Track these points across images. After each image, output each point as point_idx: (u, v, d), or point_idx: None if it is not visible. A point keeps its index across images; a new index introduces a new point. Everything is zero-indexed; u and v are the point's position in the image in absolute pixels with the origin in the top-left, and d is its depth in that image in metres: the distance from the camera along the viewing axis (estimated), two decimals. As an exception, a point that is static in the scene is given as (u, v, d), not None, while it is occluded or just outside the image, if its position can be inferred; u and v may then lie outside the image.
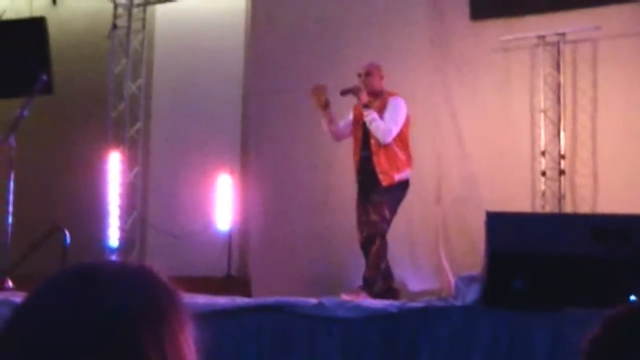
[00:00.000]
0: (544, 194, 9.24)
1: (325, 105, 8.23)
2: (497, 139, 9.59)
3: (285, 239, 10.11)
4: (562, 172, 9.22)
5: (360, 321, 5.96)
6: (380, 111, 8.00)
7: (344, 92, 8.14)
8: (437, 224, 9.82)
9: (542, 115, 9.35)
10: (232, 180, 10.74)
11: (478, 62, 9.75)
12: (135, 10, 12.29)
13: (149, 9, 12.33)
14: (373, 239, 7.92)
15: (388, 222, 8.00)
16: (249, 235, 10.85)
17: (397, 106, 8.05)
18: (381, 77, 8.27)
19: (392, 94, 8.17)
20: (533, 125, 9.47)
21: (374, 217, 7.92)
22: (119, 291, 1.38)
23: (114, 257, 11.39)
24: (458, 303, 5.92)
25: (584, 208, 9.13)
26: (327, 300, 6.30)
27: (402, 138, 8.07)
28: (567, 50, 9.35)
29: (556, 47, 9.34)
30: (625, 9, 9.14)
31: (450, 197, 9.79)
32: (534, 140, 9.46)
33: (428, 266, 9.81)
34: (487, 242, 5.72)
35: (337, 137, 8.45)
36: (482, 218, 6.06)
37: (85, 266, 1.45)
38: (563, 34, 9.25)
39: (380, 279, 7.94)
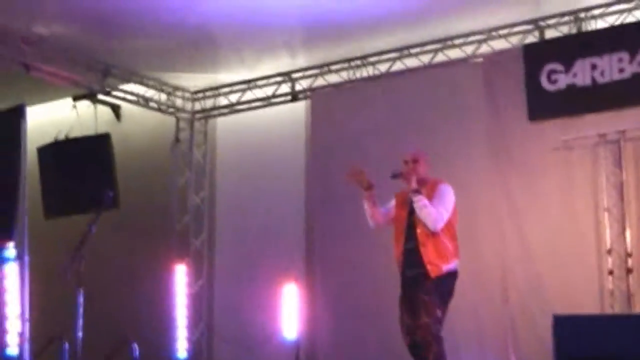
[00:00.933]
0: (612, 293, 9.13)
1: (368, 187, 7.94)
2: (561, 238, 9.53)
3: (354, 345, 10.07)
4: (629, 271, 9.11)
5: None
6: (429, 198, 7.68)
7: (395, 175, 7.82)
8: (505, 324, 9.73)
9: (606, 213, 9.30)
10: (297, 289, 10.75)
11: (538, 162, 9.74)
12: (197, 124, 12.53)
13: (211, 121, 12.58)
14: (428, 345, 7.45)
15: (441, 322, 7.55)
16: (317, 343, 10.83)
17: (447, 192, 7.77)
18: (428, 164, 7.99)
19: (441, 181, 7.90)
20: (597, 223, 9.40)
21: (425, 319, 7.47)
22: None
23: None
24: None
25: (656, 307, 9.00)
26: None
27: (449, 227, 7.74)
28: (628, 147, 9.32)
29: (617, 144, 9.32)
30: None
31: (516, 298, 9.70)
32: (599, 239, 9.38)
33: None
34: (554, 345, 5.66)
35: (377, 221, 8.04)
36: (550, 317, 6.02)
37: None
38: (623, 132, 9.24)
39: None
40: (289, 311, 10.71)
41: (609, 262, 9.21)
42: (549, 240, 9.61)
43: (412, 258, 7.68)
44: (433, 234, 7.62)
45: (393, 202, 8.11)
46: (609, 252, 9.23)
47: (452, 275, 7.73)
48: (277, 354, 10.65)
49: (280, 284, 10.77)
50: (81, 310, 8.50)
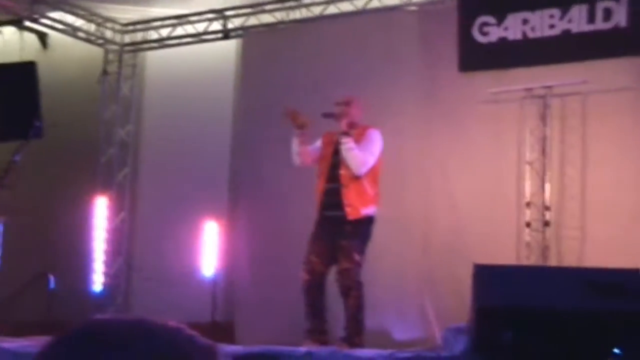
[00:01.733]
0: (528, 245, 9.30)
1: (302, 126, 7.98)
2: (484, 190, 9.66)
3: (271, 285, 10.13)
4: (546, 224, 9.29)
5: (349, 371, 5.98)
6: (358, 142, 7.74)
7: (327, 115, 7.87)
8: (424, 273, 9.85)
9: (527, 166, 9.44)
10: (218, 226, 10.78)
11: (467, 114, 9.84)
12: (126, 57, 12.38)
13: (140, 55, 12.43)
14: (348, 290, 7.60)
15: (360, 266, 7.66)
16: (235, 281, 10.89)
17: (375, 138, 7.85)
18: (361, 109, 8.04)
19: (370, 127, 7.96)
20: (519, 176, 9.55)
21: (345, 264, 7.58)
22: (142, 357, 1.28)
23: (99, 304, 11.40)
24: (446, 354, 5.95)
25: (569, 260, 9.16)
26: (318, 350, 6.32)
27: (373, 173, 7.83)
28: (555, 103, 9.45)
29: (543, 99, 9.44)
30: (611, 63, 9.26)
31: (437, 247, 9.84)
32: (519, 192, 9.53)
33: (413, 316, 9.82)
34: (474, 295, 5.76)
35: (304, 160, 8.09)
36: (469, 268, 6.11)
37: (100, 326, 1.32)
38: (550, 87, 9.36)
39: (362, 331, 7.67)
40: (209, 249, 10.75)
41: (527, 214, 9.38)
42: (472, 191, 9.74)
43: (332, 199, 7.75)
44: (356, 178, 7.68)
45: (319, 143, 8.13)
46: (528, 204, 9.39)
47: (370, 220, 7.81)
48: (195, 290, 10.68)
49: (202, 222, 10.79)
50: (0, 239, 8.44)
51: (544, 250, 9.27)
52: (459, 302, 8.72)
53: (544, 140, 9.41)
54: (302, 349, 6.36)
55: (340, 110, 7.89)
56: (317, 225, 7.90)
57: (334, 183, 7.77)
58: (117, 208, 11.97)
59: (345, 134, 7.75)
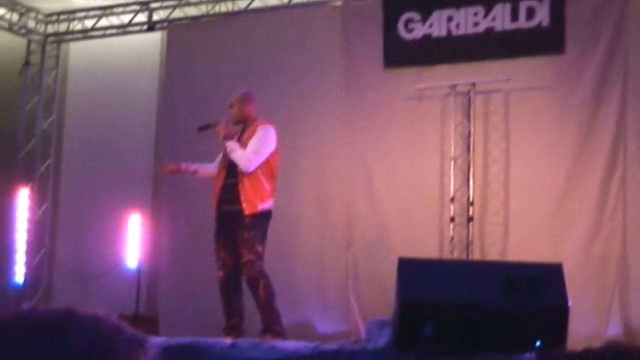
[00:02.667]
0: (452, 239, 9.40)
1: (177, 170, 8.44)
2: (407, 186, 9.74)
3: (194, 277, 10.10)
4: (470, 219, 9.40)
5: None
6: (249, 139, 7.88)
7: (201, 128, 8.21)
8: (348, 268, 9.91)
9: (452, 162, 9.54)
10: (142, 219, 10.74)
11: (390, 109, 9.90)
12: (49, 47, 12.24)
13: (63, 46, 12.30)
14: (255, 280, 7.71)
15: (263, 258, 7.78)
16: (158, 274, 10.85)
17: (264, 136, 7.92)
18: (253, 104, 8.15)
19: (262, 123, 8.05)
20: (443, 173, 9.65)
21: (248, 256, 7.69)
22: (85, 348, 1.29)
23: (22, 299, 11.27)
24: (370, 347, 6.01)
25: (493, 255, 9.29)
26: (241, 341, 6.33)
27: (269, 168, 7.92)
28: (479, 100, 9.56)
29: (467, 96, 9.55)
30: (534, 62, 9.41)
31: (360, 242, 9.90)
32: (443, 188, 9.63)
33: (337, 309, 9.88)
34: (398, 288, 5.82)
35: (213, 177, 8.31)
36: (392, 263, 6.17)
37: (29, 316, 1.34)
38: (474, 84, 9.47)
39: (279, 318, 7.73)
40: (132, 241, 10.71)
41: (451, 210, 9.48)
42: (395, 187, 9.81)
43: (230, 194, 7.87)
44: (251, 173, 7.79)
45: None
46: (452, 200, 9.50)
47: (267, 214, 7.92)
48: (118, 282, 10.63)
49: (125, 214, 10.73)
50: None
51: (468, 245, 9.39)
52: (382, 296, 8.81)
53: (468, 136, 9.52)
54: (227, 340, 6.37)
55: (214, 120, 8.11)
56: (218, 221, 8.05)
57: (231, 179, 7.90)
58: (39, 200, 11.85)
59: (225, 138, 7.95)
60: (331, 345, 6.25)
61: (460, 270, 6.23)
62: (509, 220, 9.40)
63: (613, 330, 8.81)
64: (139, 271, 10.51)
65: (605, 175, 9.08)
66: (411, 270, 5.88)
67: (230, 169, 7.92)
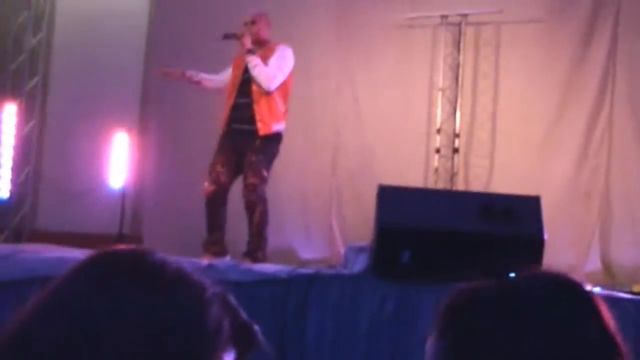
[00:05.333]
0: (437, 170, 9.42)
1: (180, 76, 8.16)
2: (395, 114, 9.74)
3: (179, 197, 10.09)
4: (455, 151, 9.42)
5: (251, 285, 6.03)
6: (266, 59, 7.69)
7: (227, 36, 7.87)
8: (331, 194, 9.94)
9: (440, 93, 9.52)
10: (128, 138, 10.70)
11: (380, 37, 9.87)
12: (39, -38, 12.10)
13: (54, -40, 12.16)
14: (253, 205, 7.62)
15: (266, 182, 7.69)
16: (143, 194, 10.86)
17: (285, 55, 7.78)
18: (269, 26, 8.01)
19: (280, 43, 7.91)
20: (430, 102, 9.64)
21: (252, 179, 7.58)
22: (198, 299, 1.23)
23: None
24: (346, 272, 6.04)
25: (477, 187, 9.33)
26: (218, 262, 6.36)
27: (284, 89, 7.80)
28: (470, 32, 9.53)
29: (458, 27, 9.50)
30: (526, -6, 9.38)
31: (345, 169, 9.92)
32: (430, 118, 9.63)
33: (320, 235, 9.93)
34: (376, 214, 5.84)
35: (206, 87, 8.25)
36: (376, 191, 6.19)
37: (144, 261, 1.27)
38: (465, 15, 9.43)
39: (265, 246, 7.71)
40: (118, 160, 10.68)
41: (437, 141, 9.49)
42: (383, 115, 9.81)
43: (243, 113, 7.71)
44: (267, 93, 7.65)
45: (230, 69, 8.10)
46: (438, 131, 9.50)
47: (279, 136, 7.82)
48: (103, 202, 10.63)
49: (112, 133, 10.70)
50: None
51: (452, 176, 9.41)
52: (365, 224, 8.83)
53: (457, 67, 9.49)
54: (204, 261, 6.40)
55: (242, 30, 7.85)
56: (224, 138, 7.86)
57: (245, 98, 7.73)
58: (26, 117, 11.79)
59: (250, 51, 7.71)
60: (307, 270, 6.29)
61: (439, 199, 6.25)
62: (495, 153, 9.42)
63: (592, 265, 8.89)
64: (123, 191, 10.50)
65: (593, 110, 9.10)
66: (390, 197, 5.89)
67: (243, 87, 7.75)
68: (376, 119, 9.82)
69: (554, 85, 9.24)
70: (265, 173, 7.65)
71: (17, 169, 11.63)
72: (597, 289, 7.69)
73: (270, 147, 7.73)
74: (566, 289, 1.55)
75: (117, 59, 11.35)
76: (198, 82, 8.19)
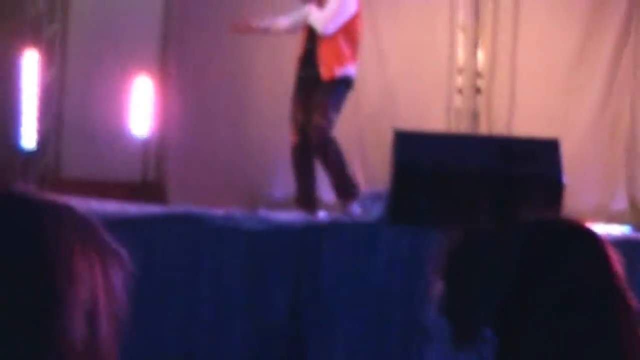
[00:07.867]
0: (459, 111, 9.31)
1: (250, 29, 8.13)
2: (415, 54, 9.60)
3: (206, 144, 10.02)
4: (478, 91, 9.29)
5: (267, 233, 5.99)
6: (323, 2, 7.67)
7: None
8: (353, 135, 9.84)
9: (460, 32, 9.38)
10: (152, 82, 10.59)
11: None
12: None
13: None
14: (322, 146, 7.59)
15: (333, 125, 7.67)
16: (167, 140, 10.78)
17: None
18: None
19: None
20: (452, 42, 9.50)
21: (319, 121, 7.55)
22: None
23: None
24: (363, 219, 6.01)
25: (499, 127, 9.21)
26: (235, 211, 6.33)
27: (349, 31, 7.71)
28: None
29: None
30: None
31: (367, 110, 9.80)
32: (452, 57, 9.49)
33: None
34: (393, 159, 5.78)
35: (279, 32, 8.23)
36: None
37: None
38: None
39: (353, 182, 7.64)
40: (141, 105, 10.58)
41: (459, 81, 9.36)
42: (404, 56, 9.67)
43: (308, 58, 7.72)
44: (329, 37, 7.61)
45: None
46: (460, 71, 9.37)
47: (346, 80, 7.77)
48: (126, 150, 10.57)
49: (134, 78, 10.60)
50: None
51: (474, 117, 9.30)
52: (387, 164, 8.77)
53: (477, 5, 9.34)
54: (221, 210, 6.37)
55: None
56: (296, 84, 7.88)
57: (311, 43, 7.72)
58: (47, 64, 11.74)
59: (304, 1, 7.76)
60: (323, 219, 6.25)
61: (456, 142, 6.20)
62: (517, 93, 9.28)
63: (619, 204, 8.80)
64: (148, 137, 10.43)
65: (616, 48, 8.94)
66: (406, 142, 5.83)
67: (310, 33, 7.75)
68: (398, 58, 9.68)
69: (577, 19, 9.09)
70: (333, 115, 7.66)
71: (40, 117, 11.61)
72: (625, 228, 7.66)
73: (337, 89, 7.70)
74: (568, 235, 1.68)
75: (137, 1, 11.27)
76: (266, 31, 8.19)
